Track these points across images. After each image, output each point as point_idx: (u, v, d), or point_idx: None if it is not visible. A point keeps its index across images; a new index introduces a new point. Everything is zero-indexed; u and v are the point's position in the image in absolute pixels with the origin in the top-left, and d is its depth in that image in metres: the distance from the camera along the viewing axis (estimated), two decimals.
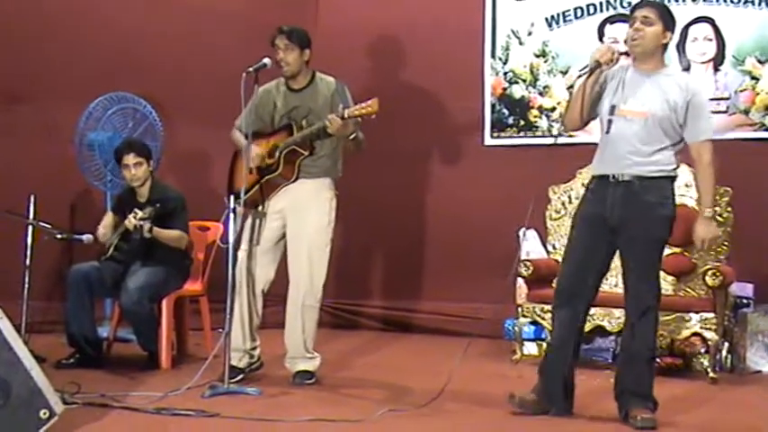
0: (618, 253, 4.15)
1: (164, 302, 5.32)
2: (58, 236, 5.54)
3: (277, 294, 5.15)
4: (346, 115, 4.68)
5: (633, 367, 4.09)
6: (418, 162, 7.04)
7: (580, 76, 4.16)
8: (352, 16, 7.15)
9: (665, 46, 4.13)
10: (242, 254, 4.87)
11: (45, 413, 3.50)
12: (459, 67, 6.84)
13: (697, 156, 4.09)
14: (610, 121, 4.09)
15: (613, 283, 5.22)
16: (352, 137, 4.83)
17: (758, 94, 6.05)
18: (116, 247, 5.37)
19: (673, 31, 4.13)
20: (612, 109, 4.09)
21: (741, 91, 6.09)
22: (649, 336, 4.09)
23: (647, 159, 4.03)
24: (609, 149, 4.10)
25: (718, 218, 5.51)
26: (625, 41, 4.18)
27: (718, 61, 6.16)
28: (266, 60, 4.82)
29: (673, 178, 4.10)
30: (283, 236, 4.97)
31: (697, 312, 5.21)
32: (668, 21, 4.10)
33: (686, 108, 4.03)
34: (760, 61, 6.04)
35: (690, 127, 4.05)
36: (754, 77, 6.06)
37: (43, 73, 6.47)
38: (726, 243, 5.53)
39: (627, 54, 4.25)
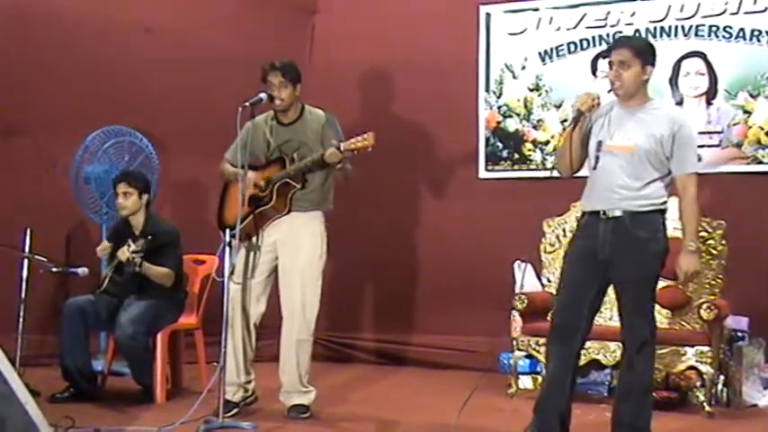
0: (612, 288, 4.15)
1: (158, 336, 5.31)
2: (54, 269, 5.53)
3: (271, 327, 5.15)
4: (342, 149, 4.71)
5: (631, 401, 4.07)
6: (413, 195, 7.05)
7: (565, 128, 4.21)
8: (347, 51, 7.18)
9: (648, 80, 4.15)
10: (234, 287, 4.86)
11: None
12: (454, 101, 6.87)
13: (682, 189, 4.10)
14: (597, 158, 4.11)
15: (608, 316, 5.23)
16: (338, 166, 4.85)
17: (750, 127, 6.09)
18: (110, 279, 5.37)
19: (654, 65, 4.12)
20: (599, 145, 4.11)
21: (734, 125, 6.13)
22: (647, 369, 4.08)
23: (636, 194, 4.04)
24: (597, 185, 4.13)
25: (713, 251, 5.55)
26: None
27: (710, 95, 6.20)
28: (262, 95, 4.87)
29: (663, 211, 4.11)
30: (275, 269, 4.98)
31: (692, 346, 5.21)
32: (647, 56, 4.10)
33: (672, 140, 4.05)
34: (752, 95, 6.08)
35: (675, 159, 4.07)
36: (746, 111, 6.10)
37: (39, 106, 6.47)
38: (720, 276, 5.55)
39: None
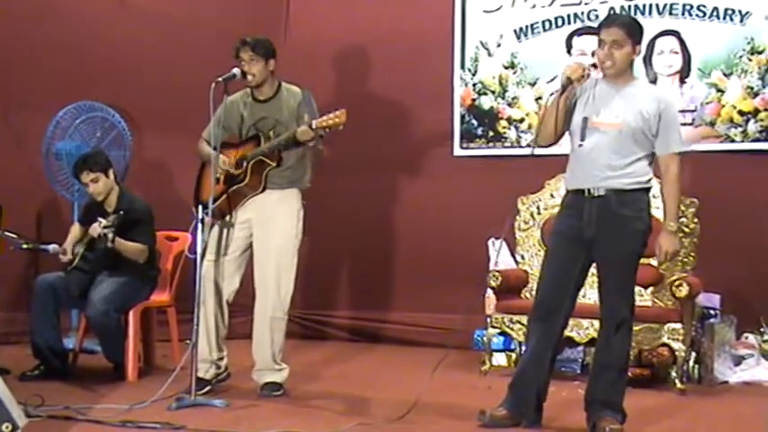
0: (595, 266, 4.16)
1: (131, 313, 5.27)
2: (24, 246, 5.47)
3: (244, 305, 5.13)
4: (314, 126, 4.68)
5: (605, 377, 4.08)
6: (388, 172, 7.03)
7: (552, 94, 4.18)
8: (322, 27, 7.14)
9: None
10: (207, 263, 4.83)
11: (8, 427, 3.46)
12: (429, 78, 6.85)
13: (665, 168, 4.10)
14: (582, 134, 4.09)
15: (582, 293, 5.22)
16: (311, 144, 4.82)
17: (724, 106, 6.10)
18: (82, 256, 5.32)
19: (641, 43, 4.13)
20: (585, 121, 4.09)
21: (707, 103, 6.14)
22: (624, 348, 4.10)
23: (621, 172, 4.03)
24: (582, 163, 4.11)
25: (685, 228, 5.57)
26: (593, 54, 4.19)
27: (684, 74, 6.21)
28: (236, 71, 4.83)
29: (647, 190, 4.10)
30: (249, 246, 4.96)
31: (665, 323, 5.24)
32: (637, 36, 4.09)
33: (659, 119, 4.05)
34: (725, 74, 6.09)
35: (661, 138, 4.07)
36: (719, 90, 6.11)
37: (10, 81, 6.40)
38: (693, 254, 5.57)
39: (596, 66, 4.26)
